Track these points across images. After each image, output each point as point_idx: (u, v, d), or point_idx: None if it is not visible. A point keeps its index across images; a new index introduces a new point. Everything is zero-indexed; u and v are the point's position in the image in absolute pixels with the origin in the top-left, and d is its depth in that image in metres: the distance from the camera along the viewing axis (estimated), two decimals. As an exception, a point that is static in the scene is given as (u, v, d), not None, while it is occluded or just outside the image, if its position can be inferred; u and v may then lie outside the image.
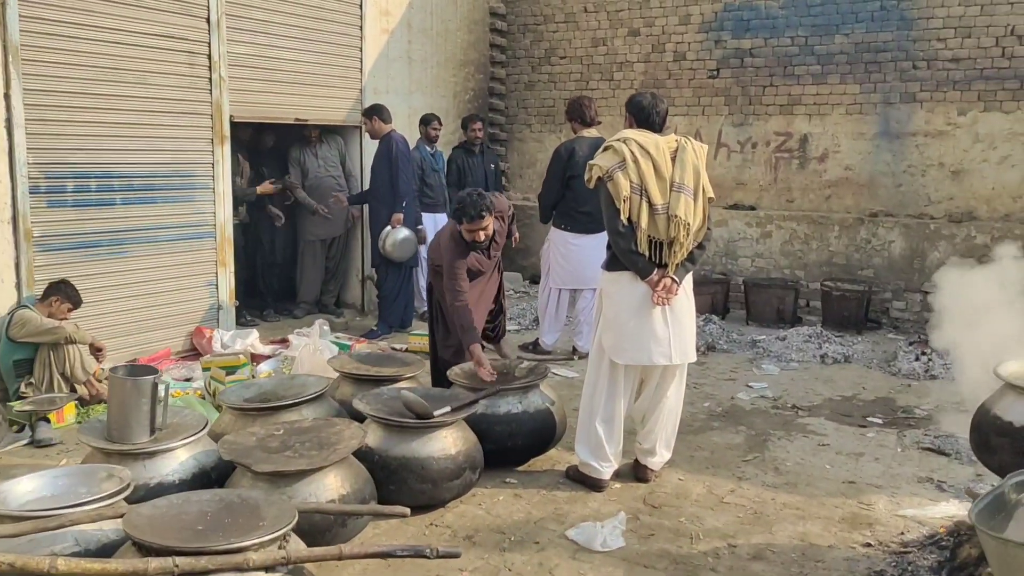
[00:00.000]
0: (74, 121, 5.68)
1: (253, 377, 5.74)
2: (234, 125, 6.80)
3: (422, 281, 8.00)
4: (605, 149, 4.05)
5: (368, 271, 8.17)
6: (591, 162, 4.06)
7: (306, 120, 7.44)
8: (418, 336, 6.89)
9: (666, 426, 4.27)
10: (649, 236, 3.96)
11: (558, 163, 6.33)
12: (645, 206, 3.93)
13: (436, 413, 3.95)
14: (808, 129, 8.31)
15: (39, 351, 5.23)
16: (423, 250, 7.75)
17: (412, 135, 7.73)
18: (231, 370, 5.42)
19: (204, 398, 5.40)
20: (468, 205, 4.86)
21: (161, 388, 3.70)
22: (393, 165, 7.06)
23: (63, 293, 5.34)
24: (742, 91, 8.58)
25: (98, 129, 5.82)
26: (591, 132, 6.42)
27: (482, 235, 4.95)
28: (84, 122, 5.73)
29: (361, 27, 7.82)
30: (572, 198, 6.34)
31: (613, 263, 4.10)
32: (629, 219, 3.95)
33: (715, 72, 8.71)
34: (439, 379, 5.61)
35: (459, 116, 9.17)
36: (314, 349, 5.91)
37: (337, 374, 4.88)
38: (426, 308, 7.93)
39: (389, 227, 6.96)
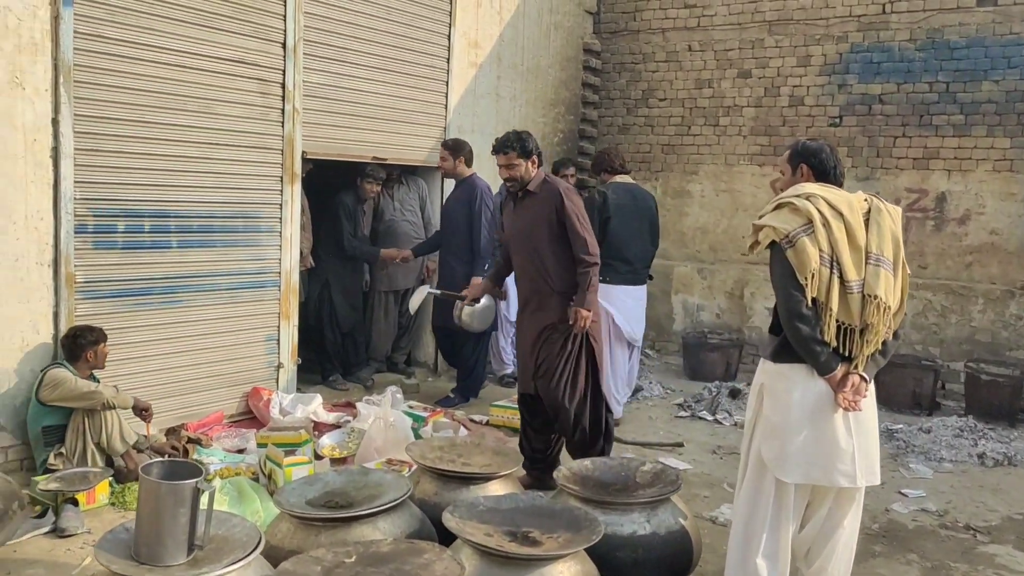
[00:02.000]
0: (128, 152, 4.99)
1: (317, 455, 4.94)
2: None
3: (502, 342, 7.16)
4: (779, 207, 3.15)
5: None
6: (758, 222, 3.18)
7: (384, 159, 6.71)
8: (502, 408, 6.03)
9: (839, 564, 3.31)
10: (839, 321, 3.05)
11: (591, 208, 5.79)
12: (836, 283, 3.03)
13: None
14: (947, 186, 7.31)
15: (72, 416, 4.51)
16: (504, 307, 6.93)
17: (496, 178, 6.91)
18: (290, 449, 4.61)
19: (257, 478, 4.60)
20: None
21: (205, 494, 2.89)
22: (475, 218, 6.32)
23: (90, 340, 4.62)
24: (868, 141, 7.63)
25: (155, 162, 5.13)
26: (624, 177, 6.32)
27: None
28: (139, 154, 5.04)
29: (448, 59, 7.10)
30: (609, 245, 5.91)
31: (782, 353, 3.18)
32: (814, 299, 3.05)
33: (837, 120, 7.79)
34: (531, 464, 4.78)
35: (547, 159, 8.37)
36: (386, 423, 5.08)
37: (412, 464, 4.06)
38: (508, 371, 7.11)
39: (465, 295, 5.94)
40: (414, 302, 6.10)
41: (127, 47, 4.91)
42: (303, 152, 5.98)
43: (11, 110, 4.43)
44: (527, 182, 4.73)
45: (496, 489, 3.82)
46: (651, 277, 6.64)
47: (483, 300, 5.53)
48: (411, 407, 5.84)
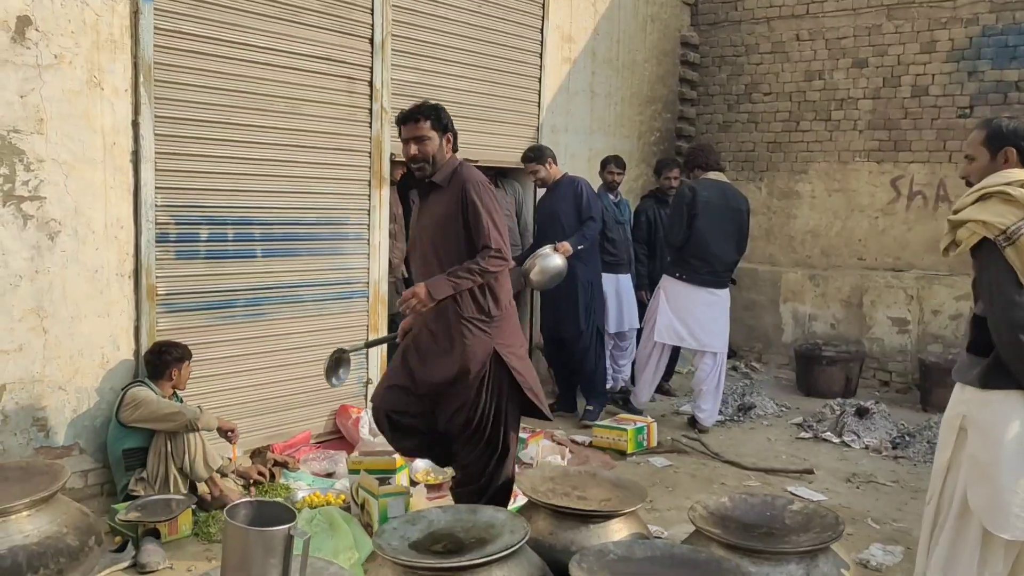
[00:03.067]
0: (210, 156, 4.69)
1: (412, 482, 4.53)
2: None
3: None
4: (985, 197, 2.60)
5: (536, 339, 6.91)
6: (965, 216, 2.63)
7: (475, 161, 6.28)
8: (606, 428, 5.54)
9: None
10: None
11: (679, 202, 5.93)
12: (1070, 288, 2.47)
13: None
14: (1098, 180, 6.54)
15: (154, 439, 4.20)
16: (610, 321, 6.42)
17: (592, 180, 6.43)
18: (384, 476, 4.20)
19: (348, 507, 4.21)
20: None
21: (299, 542, 2.48)
22: (583, 209, 5.96)
23: (175, 357, 4.32)
24: (1004, 133, 6.90)
25: (238, 166, 4.81)
26: (716, 175, 6.07)
27: (412, 148, 3.69)
28: (222, 157, 4.73)
29: (541, 55, 6.67)
30: (691, 242, 5.85)
31: (994, 376, 2.61)
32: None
33: (967, 110, 7.08)
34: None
35: (642, 160, 7.89)
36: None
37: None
38: (611, 386, 6.62)
39: (549, 247, 5.55)
40: None
41: (209, 44, 4.60)
42: (391, 155, 5.61)
43: (90, 112, 4.16)
44: (437, 167, 3.69)
45: (618, 529, 3.35)
46: (734, 281, 6.36)
47: (558, 259, 5.37)
48: (509, 427, 5.38)
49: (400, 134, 3.73)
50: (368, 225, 5.55)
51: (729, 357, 8.04)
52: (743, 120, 8.27)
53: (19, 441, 4.05)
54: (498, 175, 6.68)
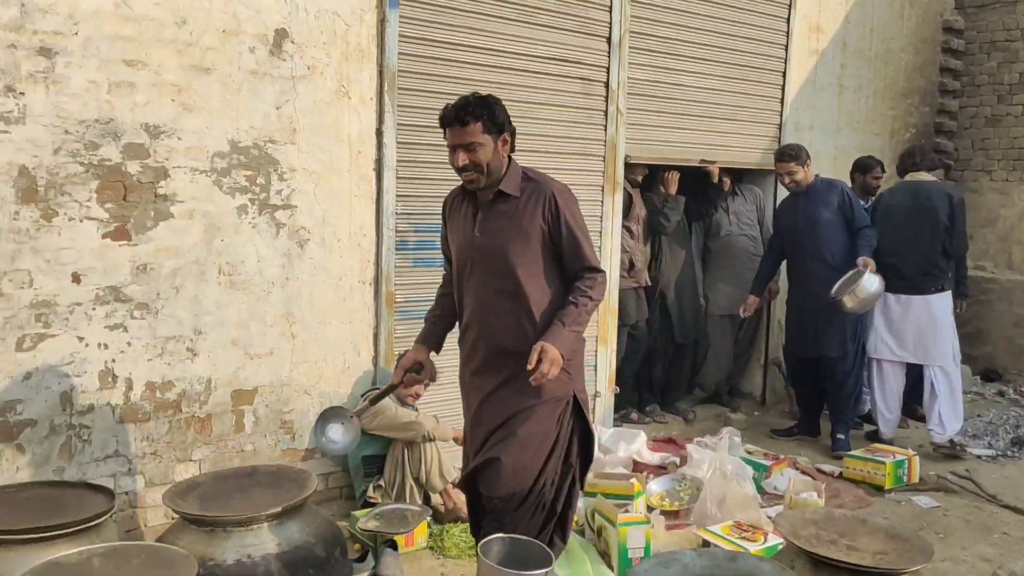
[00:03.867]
0: (445, 163, 4.62)
1: (648, 508, 4.27)
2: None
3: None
4: None
5: (774, 355, 6.42)
6: None
7: (712, 162, 5.92)
8: (860, 460, 4.99)
9: None
10: None
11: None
12: None
13: None
14: None
15: (392, 447, 4.21)
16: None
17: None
18: (621, 502, 3.96)
19: (583, 531, 4.01)
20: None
21: (554, 587, 2.29)
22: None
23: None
24: None
25: (476, 173, 4.74)
26: (917, 175, 5.64)
27: (461, 156, 2.99)
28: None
29: (787, 47, 6.17)
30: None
31: None
32: None
33: None
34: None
35: (894, 160, 7.13)
36: (724, 473, 4.29)
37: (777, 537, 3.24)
38: (865, 408, 5.99)
39: (859, 268, 5.10)
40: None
41: (449, 49, 4.56)
42: (626, 156, 5.36)
43: (338, 121, 4.22)
44: (493, 175, 3.08)
45: (900, 590, 2.90)
46: (964, 295, 5.97)
47: (876, 281, 5.02)
48: (749, 452, 4.99)
49: (445, 137, 3.06)
50: (600, 231, 5.33)
51: (992, 380, 7.16)
52: (1016, 113, 7.29)
53: (268, 443, 4.18)
54: (734, 179, 6.24)
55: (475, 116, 2.91)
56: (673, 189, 5.83)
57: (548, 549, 2.43)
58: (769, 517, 4.04)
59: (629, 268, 5.71)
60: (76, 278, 3.57)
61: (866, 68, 6.82)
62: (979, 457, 5.48)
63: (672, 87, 5.61)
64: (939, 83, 7.48)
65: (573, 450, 3.20)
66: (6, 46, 3.34)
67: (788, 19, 6.11)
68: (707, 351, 6.25)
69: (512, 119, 4.77)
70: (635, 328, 5.79)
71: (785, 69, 6.18)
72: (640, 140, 5.51)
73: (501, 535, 2.55)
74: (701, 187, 6.08)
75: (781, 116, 6.23)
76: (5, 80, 3.35)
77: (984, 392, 6.97)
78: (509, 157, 3.07)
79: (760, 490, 4.63)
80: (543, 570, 2.22)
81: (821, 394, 5.69)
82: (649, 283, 5.83)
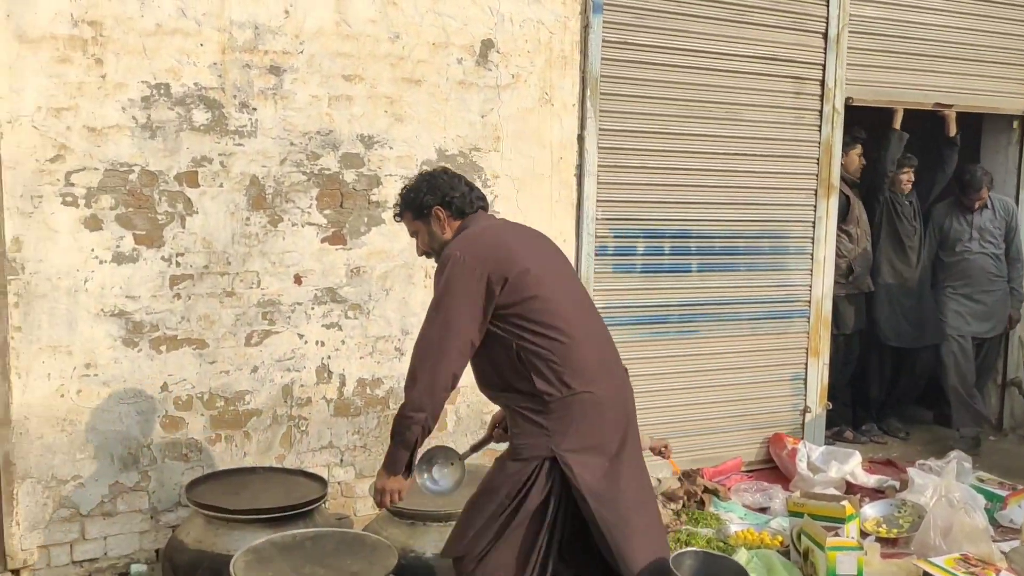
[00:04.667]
0: (648, 168, 4.58)
1: (863, 533, 3.98)
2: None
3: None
4: None
5: (1013, 374, 5.81)
6: None
7: (948, 106, 5.36)
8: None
9: None
10: None
11: None
12: None
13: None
14: None
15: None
16: None
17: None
18: (831, 524, 3.71)
19: (787, 552, 3.79)
20: None
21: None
22: None
23: None
24: None
25: (675, 177, 4.66)
26: None
27: (416, 244, 2.87)
28: (660, 169, 4.61)
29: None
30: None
31: None
32: None
33: None
34: None
35: None
36: (950, 500, 3.91)
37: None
38: None
39: None
40: None
41: (652, 52, 4.51)
42: (847, 99, 5.00)
43: (540, 128, 4.27)
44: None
45: None
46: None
47: None
48: (981, 480, 4.52)
49: None
50: (812, 238, 5.06)
51: None
52: None
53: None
54: (989, 186, 5.50)
55: (402, 209, 2.84)
56: (897, 123, 5.37)
57: (744, 568, 2.30)
58: (1003, 552, 3.63)
59: (848, 273, 5.36)
60: (298, 279, 3.84)
61: None
62: None
63: (902, 24, 5.13)
64: None
65: (552, 526, 2.56)
66: (242, 66, 3.65)
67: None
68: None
69: (715, 122, 4.70)
70: (850, 338, 5.44)
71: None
72: (864, 81, 5.08)
73: (694, 549, 2.45)
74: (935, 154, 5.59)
75: (1020, 165, 5.62)
76: (240, 97, 3.67)
77: None
78: (461, 222, 2.75)
79: (993, 522, 4.19)
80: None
81: None
82: (872, 288, 5.44)
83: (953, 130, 5.50)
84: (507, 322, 2.48)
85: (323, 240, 3.88)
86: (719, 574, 2.21)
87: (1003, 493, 4.37)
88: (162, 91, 3.54)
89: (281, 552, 2.81)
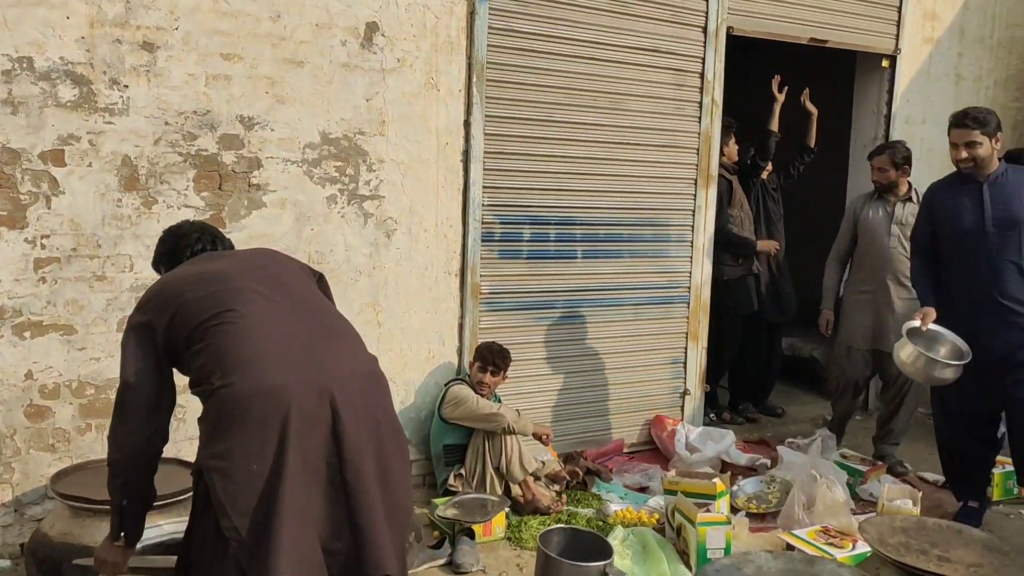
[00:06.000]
0: (535, 155, 4.64)
1: (734, 509, 4.16)
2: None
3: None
4: None
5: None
6: None
7: (824, 41, 5.54)
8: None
9: None
10: None
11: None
12: None
13: None
14: None
15: (473, 437, 4.23)
16: None
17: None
18: (703, 501, 3.86)
19: (663, 529, 3.93)
20: None
21: (613, 581, 2.25)
22: None
23: (479, 356, 4.31)
24: None
25: (561, 165, 4.72)
26: None
27: None
28: (546, 156, 4.67)
29: (897, 37, 5.86)
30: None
31: None
32: None
33: None
34: None
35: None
36: (816, 477, 4.13)
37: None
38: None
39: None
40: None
41: (538, 40, 4.55)
42: (728, 28, 5.11)
43: (426, 113, 4.27)
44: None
45: (994, 607, 2.73)
46: None
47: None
48: (844, 456, 4.79)
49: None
50: (692, 226, 5.22)
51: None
52: None
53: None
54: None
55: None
56: (774, 125, 5.61)
57: (609, 543, 2.39)
58: (860, 524, 3.86)
59: (737, 256, 5.57)
60: (173, 263, 3.73)
61: (986, 57, 6.43)
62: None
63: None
64: (1068, 72, 6.98)
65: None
66: (111, 41, 3.52)
67: (899, 8, 5.81)
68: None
69: (600, 111, 4.80)
70: (736, 320, 5.65)
71: (896, 60, 5.88)
72: (746, 12, 5.19)
73: (562, 526, 2.53)
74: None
75: (891, 108, 5.94)
76: (111, 73, 3.54)
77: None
78: None
79: (855, 496, 4.44)
80: (601, 564, 2.19)
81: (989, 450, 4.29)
82: (760, 270, 5.66)
83: (814, 140, 5.79)
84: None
85: (201, 223, 3.78)
86: (584, 548, 2.29)
87: (864, 469, 4.64)
88: (25, 65, 3.38)
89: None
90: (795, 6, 5.40)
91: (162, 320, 2.30)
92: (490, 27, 4.37)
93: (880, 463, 4.80)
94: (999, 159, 4.02)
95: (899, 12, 5.83)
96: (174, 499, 3.10)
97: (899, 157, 4.88)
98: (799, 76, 5.75)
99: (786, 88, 5.64)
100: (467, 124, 4.38)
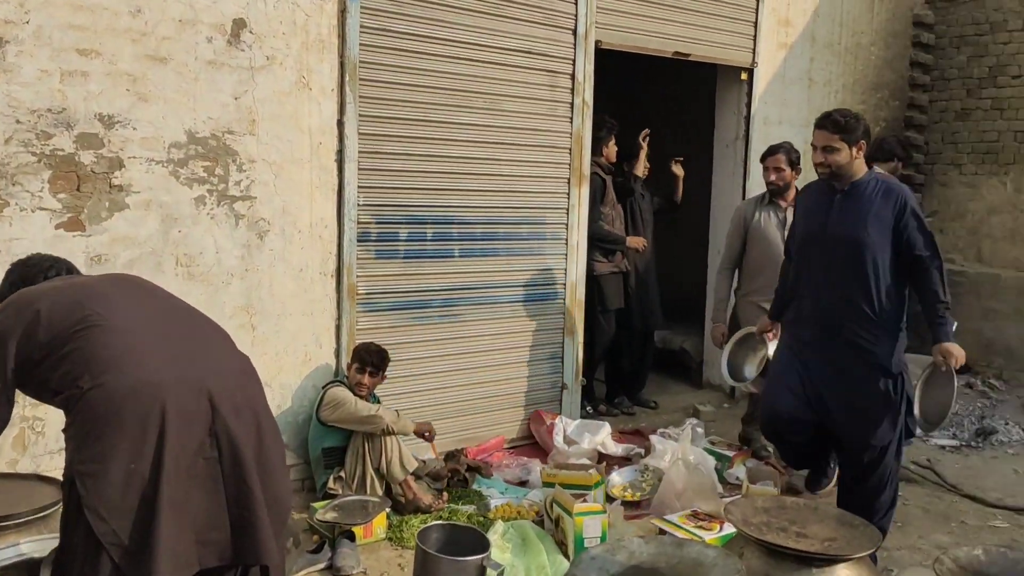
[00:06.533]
0: (411, 155, 4.64)
1: (609, 498, 4.29)
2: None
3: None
4: None
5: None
6: None
7: (687, 55, 5.77)
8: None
9: None
10: None
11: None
12: None
13: None
14: None
15: (352, 439, 4.21)
16: None
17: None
18: (580, 492, 3.97)
19: (542, 521, 4.01)
20: None
21: (492, 573, 2.29)
22: (913, 233, 3.55)
23: (356, 358, 4.29)
24: None
25: (438, 165, 4.74)
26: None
27: None
28: (423, 156, 4.68)
29: (755, 40, 6.17)
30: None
31: None
32: None
33: None
34: None
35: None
36: (686, 464, 4.31)
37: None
38: None
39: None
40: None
41: (412, 40, 4.55)
42: (597, 41, 5.26)
43: (298, 112, 4.21)
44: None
45: (846, 576, 2.93)
46: None
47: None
48: (712, 443, 5.01)
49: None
50: (567, 224, 5.34)
51: (962, 372, 7.19)
52: (985, 107, 7.33)
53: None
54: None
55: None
56: (641, 169, 5.82)
57: (487, 536, 2.44)
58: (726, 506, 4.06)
59: (608, 253, 5.72)
60: (29, 268, 3.54)
61: (836, 62, 6.85)
62: (942, 447, 5.53)
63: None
64: (909, 77, 7.51)
65: None
66: (-46, 34, 3.31)
67: (756, 11, 6.12)
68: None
69: (476, 111, 4.86)
70: (610, 315, 5.81)
71: (754, 63, 6.19)
72: (614, 26, 5.36)
73: (440, 522, 2.56)
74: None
75: (750, 110, 6.25)
76: (-46, 69, 3.33)
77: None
78: None
79: (723, 480, 4.65)
80: (478, 557, 2.23)
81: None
82: (628, 268, 5.83)
83: (680, 195, 6.04)
84: None
85: (57, 226, 3.61)
86: (463, 543, 2.32)
87: (730, 454, 4.88)
88: None
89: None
90: (660, 21, 5.61)
91: (16, 330, 2.20)
92: (362, 26, 4.35)
93: (746, 448, 5.04)
94: (870, 168, 3.67)
95: (755, 27, 6.15)
96: (33, 516, 2.95)
97: (794, 156, 4.98)
98: (676, 74, 5.95)
99: (648, 137, 5.84)
100: (341, 124, 4.34)
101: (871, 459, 3.63)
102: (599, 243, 5.62)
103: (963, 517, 4.45)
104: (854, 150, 3.55)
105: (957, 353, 3.56)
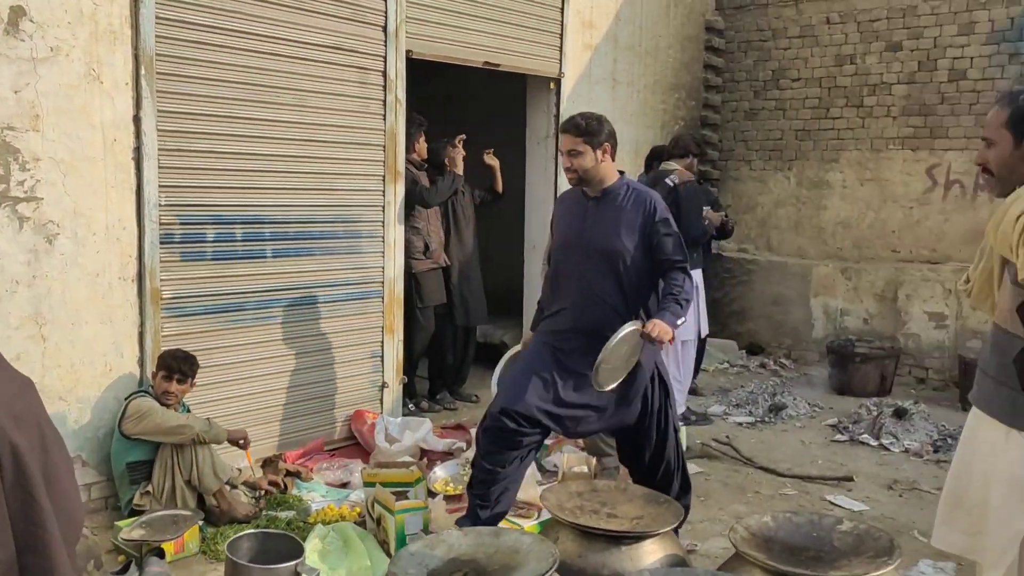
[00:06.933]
0: (217, 152, 4.46)
1: (431, 493, 4.31)
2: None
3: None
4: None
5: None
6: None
7: (497, 65, 5.92)
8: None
9: None
10: None
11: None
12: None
13: None
14: None
15: (160, 451, 4.00)
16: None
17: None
18: (401, 490, 3.98)
19: (364, 522, 3.99)
20: None
21: (307, 579, 2.26)
22: (661, 238, 3.61)
23: (162, 365, 4.10)
24: (1048, 118, 6.58)
25: (246, 163, 4.59)
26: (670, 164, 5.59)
27: None
28: (230, 154, 4.51)
29: (561, 40, 6.39)
30: None
31: None
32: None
33: (1009, 94, 6.75)
34: None
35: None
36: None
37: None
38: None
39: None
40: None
41: (214, 34, 4.37)
42: (408, 51, 5.28)
43: (88, 107, 3.94)
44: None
45: (652, 551, 3.11)
46: None
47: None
48: (531, 433, 5.14)
49: None
50: (383, 222, 5.32)
51: (756, 353, 7.80)
52: (770, 108, 7.97)
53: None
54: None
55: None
56: (459, 167, 5.88)
57: (300, 542, 2.40)
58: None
59: (424, 249, 5.74)
60: None
61: (637, 63, 7.21)
62: (740, 424, 5.96)
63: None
64: (703, 79, 8.04)
65: None
66: None
67: (562, 11, 6.33)
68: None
69: (284, 108, 4.74)
70: (429, 311, 5.84)
71: (561, 64, 6.40)
72: (425, 36, 5.39)
73: (251, 531, 2.50)
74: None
75: (559, 108, 6.46)
76: None
77: (748, 365, 7.58)
78: None
79: (541, 468, 4.79)
80: (292, 563, 2.19)
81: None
82: (448, 263, 5.88)
83: (500, 183, 6.20)
84: None
85: None
86: (277, 551, 2.28)
87: (548, 442, 5.02)
88: None
89: None
90: (469, 31, 5.69)
91: None
92: (158, 17, 4.13)
93: (562, 437, 5.21)
94: (620, 174, 3.63)
95: (561, 38, 6.37)
96: None
97: None
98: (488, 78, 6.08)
99: (463, 141, 5.93)
100: (137, 119, 4.11)
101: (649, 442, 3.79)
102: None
103: (758, 488, 4.82)
104: (599, 153, 3.49)
105: (662, 329, 3.34)
